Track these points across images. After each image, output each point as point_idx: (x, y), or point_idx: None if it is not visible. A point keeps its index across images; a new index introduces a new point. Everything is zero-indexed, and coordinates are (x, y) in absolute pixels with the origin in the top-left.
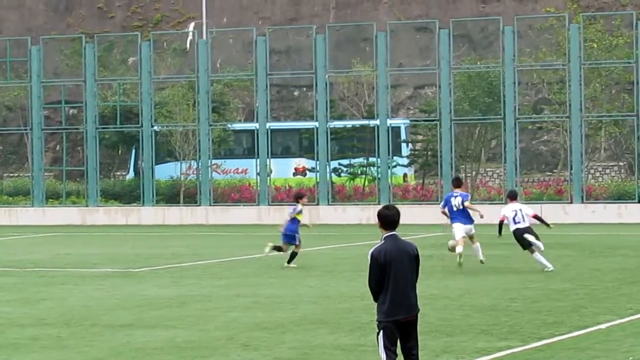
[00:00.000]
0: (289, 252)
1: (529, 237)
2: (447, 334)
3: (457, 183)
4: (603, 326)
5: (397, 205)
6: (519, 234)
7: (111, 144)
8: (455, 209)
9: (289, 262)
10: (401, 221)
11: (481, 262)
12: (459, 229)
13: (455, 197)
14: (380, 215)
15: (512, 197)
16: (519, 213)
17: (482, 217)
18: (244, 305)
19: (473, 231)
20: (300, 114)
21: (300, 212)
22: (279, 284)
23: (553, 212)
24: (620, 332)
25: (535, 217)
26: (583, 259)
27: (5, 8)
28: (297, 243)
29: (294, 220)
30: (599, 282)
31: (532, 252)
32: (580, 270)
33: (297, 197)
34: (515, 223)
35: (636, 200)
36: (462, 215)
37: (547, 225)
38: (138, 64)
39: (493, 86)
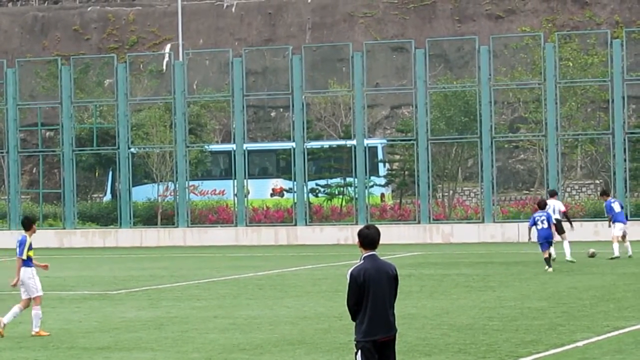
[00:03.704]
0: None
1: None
2: (425, 354)
3: (552, 193)
4: (580, 344)
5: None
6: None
7: (88, 166)
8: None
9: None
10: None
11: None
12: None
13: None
14: (360, 234)
15: (552, 194)
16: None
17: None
18: (222, 326)
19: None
20: (277, 134)
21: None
22: (256, 305)
23: None
24: (597, 349)
25: (564, 213)
26: (560, 276)
27: None
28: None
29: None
30: (575, 300)
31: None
32: (557, 288)
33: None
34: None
35: None
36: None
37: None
38: (114, 85)
39: (469, 105)
